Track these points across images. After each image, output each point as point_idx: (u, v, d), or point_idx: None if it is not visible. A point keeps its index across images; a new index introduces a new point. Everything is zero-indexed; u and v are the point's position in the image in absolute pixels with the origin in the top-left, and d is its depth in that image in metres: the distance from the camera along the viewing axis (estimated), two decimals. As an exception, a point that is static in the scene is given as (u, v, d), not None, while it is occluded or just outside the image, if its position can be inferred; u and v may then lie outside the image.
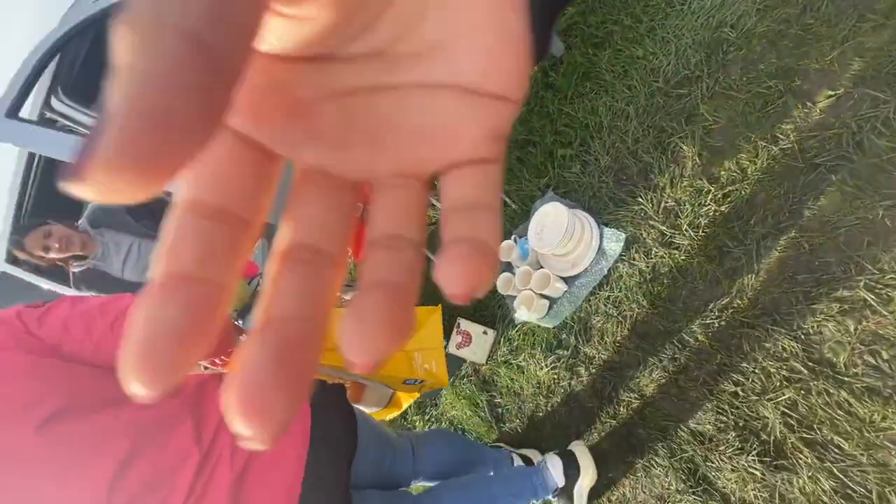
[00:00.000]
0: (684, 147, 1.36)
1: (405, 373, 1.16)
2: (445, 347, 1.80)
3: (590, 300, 1.49)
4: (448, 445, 1.23)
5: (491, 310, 1.84)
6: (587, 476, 1.27)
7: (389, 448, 1.02)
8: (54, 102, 2.52)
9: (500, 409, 1.66)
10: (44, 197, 2.36)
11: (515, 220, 1.85)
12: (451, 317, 1.98)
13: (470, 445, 1.36)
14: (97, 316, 0.77)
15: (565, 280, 1.57)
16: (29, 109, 2.13)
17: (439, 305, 1.22)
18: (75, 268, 2.01)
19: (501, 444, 1.54)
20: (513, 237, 1.78)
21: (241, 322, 1.72)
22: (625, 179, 1.51)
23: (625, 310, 1.38)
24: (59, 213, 2.03)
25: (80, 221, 2.03)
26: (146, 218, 2.13)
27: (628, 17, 1.61)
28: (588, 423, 1.38)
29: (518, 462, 1.39)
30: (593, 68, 1.70)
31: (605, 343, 1.41)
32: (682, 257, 1.28)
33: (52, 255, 1.83)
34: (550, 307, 1.60)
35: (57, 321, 0.75)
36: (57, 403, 0.66)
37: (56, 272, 2.80)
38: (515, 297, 1.70)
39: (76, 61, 2.56)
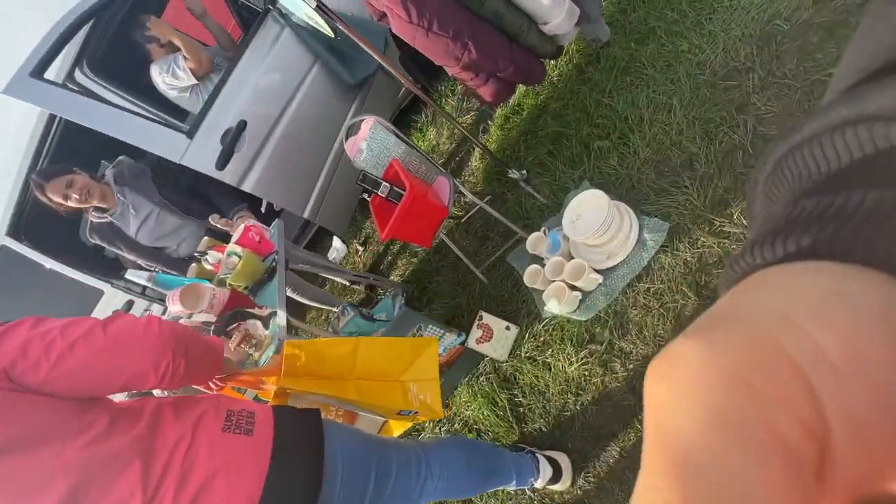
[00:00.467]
0: (735, 136, 1.31)
1: (400, 403, 1.12)
2: (465, 342, 1.71)
3: (626, 293, 1.41)
4: (464, 451, 1.12)
5: (515, 305, 1.75)
6: (564, 484, 1.30)
7: (383, 469, 0.92)
8: (77, 74, 2.49)
9: (521, 409, 1.54)
10: (62, 155, 2.31)
11: (546, 213, 1.79)
12: (472, 310, 1.89)
13: (490, 451, 1.25)
14: (57, 337, 0.73)
15: (599, 272, 1.49)
16: (54, 74, 2.09)
17: (435, 338, 1.25)
18: (94, 218, 2.01)
19: (524, 446, 1.42)
20: (542, 229, 1.71)
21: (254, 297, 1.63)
22: (667, 170, 1.46)
23: (667, 302, 1.30)
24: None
25: (105, 173, 2.00)
26: (169, 189, 2.09)
27: (673, 13, 1.60)
28: (623, 422, 1.27)
29: (546, 467, 1.29)
30: (634, 63, 1.67)
31: (645, 337, 1.32)
32: (733, 246, 1.21)
33: (71, 204, 1.83)
34: (582, 300, 1.51)
35: (15, 341, 0.71)
36: None
37: (61, 251, 2.73)
38: (543, 290, 1.62)
39: (104, 38, 2.55)
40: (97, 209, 1.96)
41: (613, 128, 1.64)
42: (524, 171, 1.96)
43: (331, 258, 3.13)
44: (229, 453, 0.76)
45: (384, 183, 1.64)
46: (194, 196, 2.14)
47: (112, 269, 2.99)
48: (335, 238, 3.29)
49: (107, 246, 2.21)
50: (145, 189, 2.00)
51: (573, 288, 1.52)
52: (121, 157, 2.10)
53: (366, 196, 3.16)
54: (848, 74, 0.17)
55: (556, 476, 1.28)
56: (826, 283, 0.13)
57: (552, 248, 1.61)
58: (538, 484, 1.28)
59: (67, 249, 2.79)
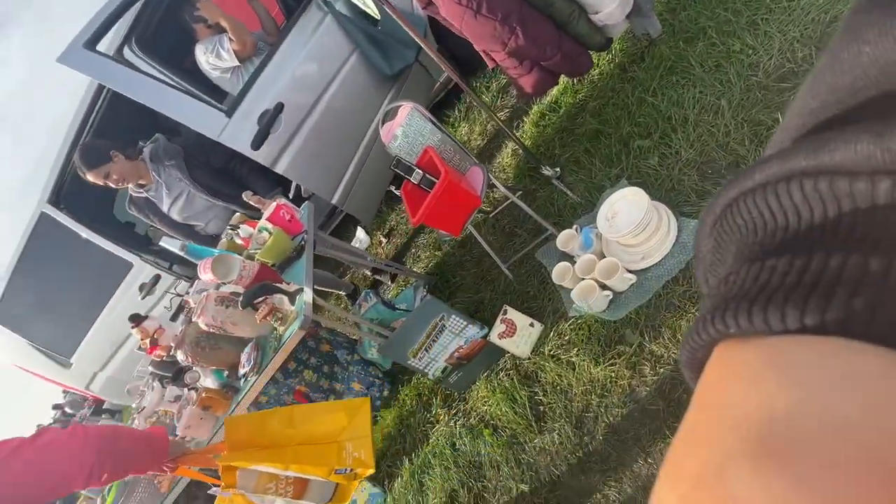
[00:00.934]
0: (787, 139, 1.26)
1: (335, 463, 1.19)
2: (487, 336, 1.68)
3: (660, 295, 1.36)
4: None
5: (541, 302, 1.71)
6: None
7: None
8: (126, 51, 2.57)
9: (542, 408, 1.51)
10: (105, 130, 2.38)
11: (578, 211, 1.76)
12: (495, 305, 1.87)
13: None
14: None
15: (633, 272, 1.45)
16: (104, 48, 2.16)
17: (368, 399, 1.34)
18: (133, 192, 2.10)
19: None
20: (574, 227, 1.68)
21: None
22: (711, 172, 1.41)
23: (705, 306, 1.25)
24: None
25: (144, 149, 2.08)
26: (200, 172, 2.14)
27: (726, 12, 1.55)
28: (650, 426, 1.22)
29: None
30: (681, 62, 1.63)
31: (678, 341, 1.27)
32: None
33: (111, 185, 1.99)
34: (612, 300, 1.47)
35: None
36: None
37: (96, 223, 2.82)
38: (571, 289, 1.58)
39: (154, 17, 2.63)
40: (136, 184, 2.07)
41: (655, 127, 1.60)
42: (557, 169, 1.93)
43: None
44: None
45: (417, 169, 1.63)
46: (223, 181, 2.19)
47: (142, 244, 3.07)
48: (359, 228, 3.31)
49: (143, 218, 2.28)
50: (178, 170, 2.06)
51: (604, 287, 1.48)
52: (157, 136, 2.16)
53: (393, 188, 3.18)
54: (799, 115, 0.16)
55: None
56: (873, 371, 0.11)
57: (584, 246, 1.57)
58: None
59: (102, 222, 2.89)
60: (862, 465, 0.10)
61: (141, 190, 2.11)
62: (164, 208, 2.16)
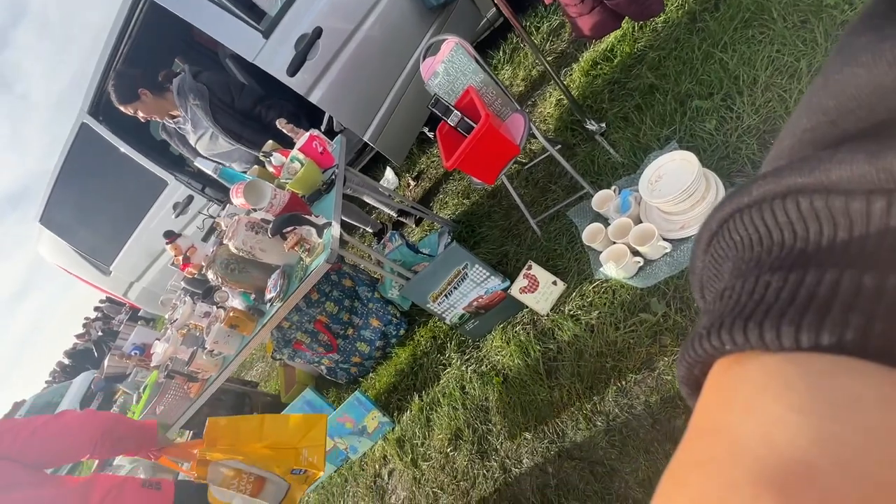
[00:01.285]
0: (869, 112, 1.13)
1: (293, 464, 1.50)
2: (508, 289, 1.68)
3: (694, 268, 1.31)
4: None
5: (566, 262, 1.68)
6: None
7: None
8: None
9: (554, 363, 1.53)
10: (136, 51, 2.35)
11: (619, 171, 1.67)
12: (519, 260, 1.85)
13: None
14: (24, 425, 1.07)
15: (669, 241, 1.39)
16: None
17: (325, 415, 1.62)
18: (168, 121, 2.14)
19: None
20: (613, 188, 1.61)
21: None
22: (773, 142, 1.30)
23: (740, 284, 1.20)
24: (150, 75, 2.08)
25: (174, 81, 2.06)
26: (223, 115, 2.10)
27: (826, -42, 1.35)
28: (663, 395, 1.23)
29: None
30: (761, 15, 1.46)
31: (705, 316, 1.23)
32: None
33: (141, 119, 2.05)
34: (643, 267, 1.43)
35: None
36: None
37: (133, 139, 2.87)
38: (601, 252, 1.54)
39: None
40: (169, 115, 2.11)
41: (719, 87, 1.47)
42: (603, 124, 1.82)
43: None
44: (145, 498, 1.13)
45: (455, 111, 1.56)
46: (248, 125, 2.15)
47: (176, 164, 3.12)
48: (388, 169, 3.27)
49: (173, 145, 2.30)
50: (202, 111, 2.03)
51: (635, 253, 1.43)
52: (182, 73, 2.08)
53: (426, 130, 3.09)
54: (793, 135, 0.17)
55: None
56: (870, 395, 0.11)
57: (621, 209, 1.51)
58: None
59: (138, 138, 2.93)
60: (864, 500, 0.10)
61: (171, 120, 2.14)
62: (192, 142, 2.17)
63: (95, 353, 8.20)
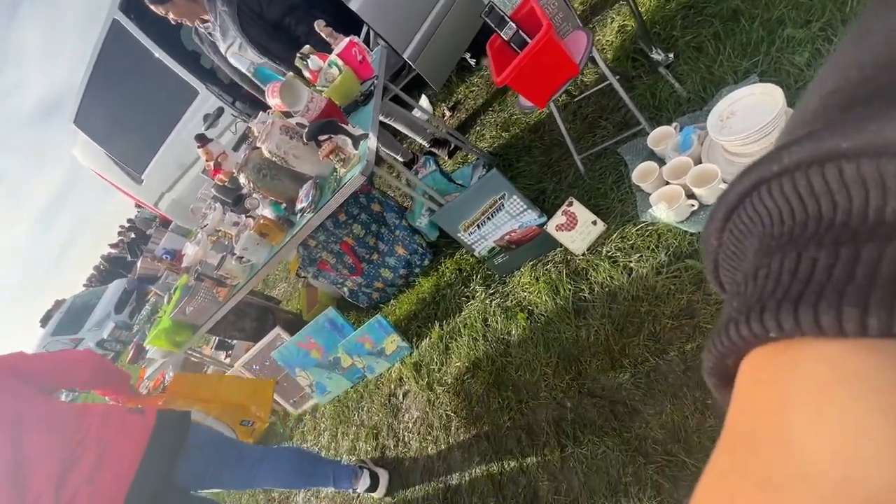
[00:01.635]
0: None
1: (243, 416, 1.89)
2: (544, 225, 1.60)
3: (755, 216, 1.21)
4: (293, 460, 1.51)
5: (610, 203, 1.59)
6: (379, 493, 1.70)
7: (226, 458, 1.35)
8: None
9: (584, 304, 1.48)
10: None
11: (683, 107, 1.52)
12: (558, 197, 1.76)
13: (316, 462, 1.61)
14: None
15: (730, 186, 1.28)
16: None
17: (273, 380, 2.02)
18: (199, 25, 2.04)
19: (363, 463, 1.78)
20: (674, 124, 1.47)
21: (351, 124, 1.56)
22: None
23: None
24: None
25: None
26: (252, 27, 1.95)
27: None
28: (699, 343, 1.18)
29: (365, 479, 1.68)
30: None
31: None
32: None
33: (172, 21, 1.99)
34: (695, 212, 1.33)
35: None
36: None
37: (167, 42, 2.77)
38: (650, 193, 1.44)
39: None
40: (200, 19, 2.02)
41: (820, 13, 1.27)
42: (671, 54, 1.63)
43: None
44: (129, 421, 1.25)
45: (511, 22, 1.41)
46: (276, 38, 2.00)
47: (208, 75, 3.03)
48: (423, 97, 3.11)
49: (205, 51, 2.20)
50: (230, 18, 1.90)
51: (690, 196, 1.33)
52: None
53: (468, 56, 2.88)
54: (820, 96, 0.15)
55: (373, 487, 1.68)
56: None
57: (681, 147, 1.38)
58: (358, 490, 1.68)
59: (170, 43, 2.82)
60: None
61: (205, 24, 2.03)
62: (222, 48, 2.07)
63: (129, 257, 8.63)
